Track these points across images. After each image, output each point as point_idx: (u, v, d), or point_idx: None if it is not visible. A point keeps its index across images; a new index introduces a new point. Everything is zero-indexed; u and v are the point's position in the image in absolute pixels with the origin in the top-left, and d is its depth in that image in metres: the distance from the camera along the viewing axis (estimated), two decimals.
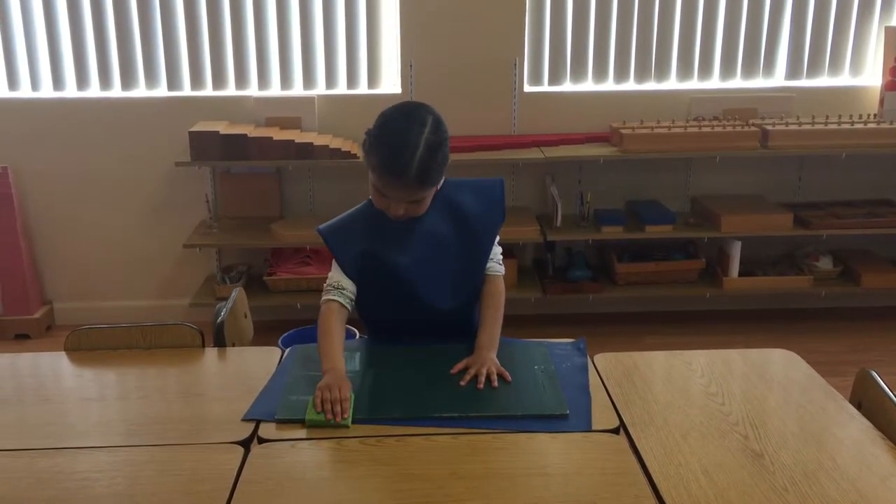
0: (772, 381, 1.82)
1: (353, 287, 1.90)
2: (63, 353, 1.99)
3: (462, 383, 1.76)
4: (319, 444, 1.55)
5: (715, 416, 1.65)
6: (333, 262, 1.92)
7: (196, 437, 1.58)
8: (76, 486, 1.43)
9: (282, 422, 1.63)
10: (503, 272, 2.00)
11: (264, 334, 2.64)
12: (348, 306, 1.89)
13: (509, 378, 1.77)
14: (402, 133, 1.75)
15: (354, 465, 1.49)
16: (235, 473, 1.45)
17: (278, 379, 1.81)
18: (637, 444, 1.54)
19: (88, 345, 2.01)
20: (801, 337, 3.81)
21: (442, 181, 1.91)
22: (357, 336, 2.71)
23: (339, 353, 1.79)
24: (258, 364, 1.90)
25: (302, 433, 1.58)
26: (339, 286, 1.89)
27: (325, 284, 1.92)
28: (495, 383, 1.75)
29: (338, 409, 1.62)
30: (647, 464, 1.47)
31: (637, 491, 1.39)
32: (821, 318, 4.05)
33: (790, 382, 1.82)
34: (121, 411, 1.71)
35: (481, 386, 1.74)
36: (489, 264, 1.97)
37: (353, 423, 1.61)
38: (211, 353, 2.00)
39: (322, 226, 1.94)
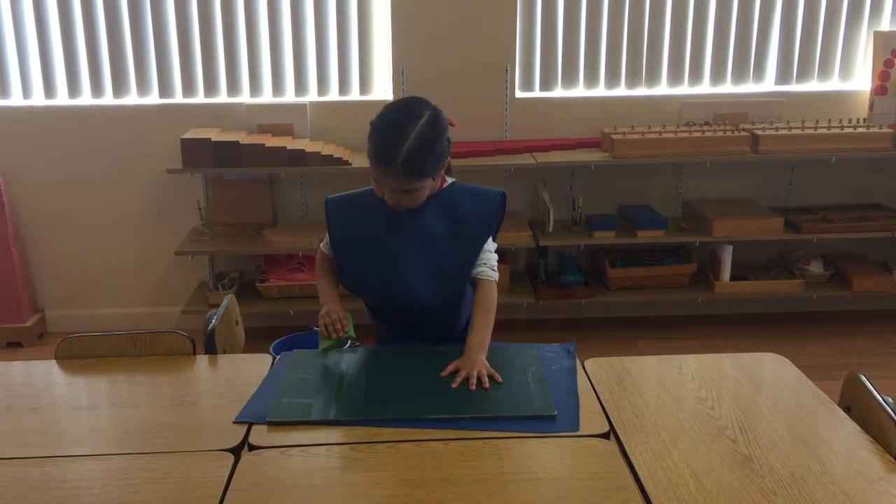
0: (762, 386, 1.83)
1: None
2: (54, 361, 1.99)
3: (454, 385, 1.77)
4: (310, 451, 1.55)
5: (705, 420, 1.65)
6: None
7: (187, 445, 1.58)
8: (67, 494, 1.43)
9: (274, 424, 1.63)
10: (496, 278, 2.01)
11: (257, 341, 2.65)
12: None
13: (500, 379, 1.79)
14: (396, 124, 1.84)
15: (345, 472, 1.49)
16: (225, 481, 1.45)
17: (270, 382, 1.82)
18: (627, 448, 1.54)
19: (79, 353, 2.01)
20: (792, 340, 3.83)
21: (449, 181, 2.01)
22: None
23: (335, 290, 2.05)
24: (249, 371, 1.90)
25: (292, 440, 1.58)
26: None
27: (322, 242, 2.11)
28: (486, 385, 1.76)
29: (338, 325, 1.91)
30: (637, 468, 1.47)
31: (627, 495, 1.40)
32: (812, 321, 4.07)
33: (780, 386, 1.83)
34: (112, 419, 1.71)
35: (473, 388, 1.75)
36: (482, 269, 1.98)
37: (344, 423, 1.64)
38: (202, 360, 2.00)
39: (330, 196, 2.07)
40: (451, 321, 2.05)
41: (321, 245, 2.12)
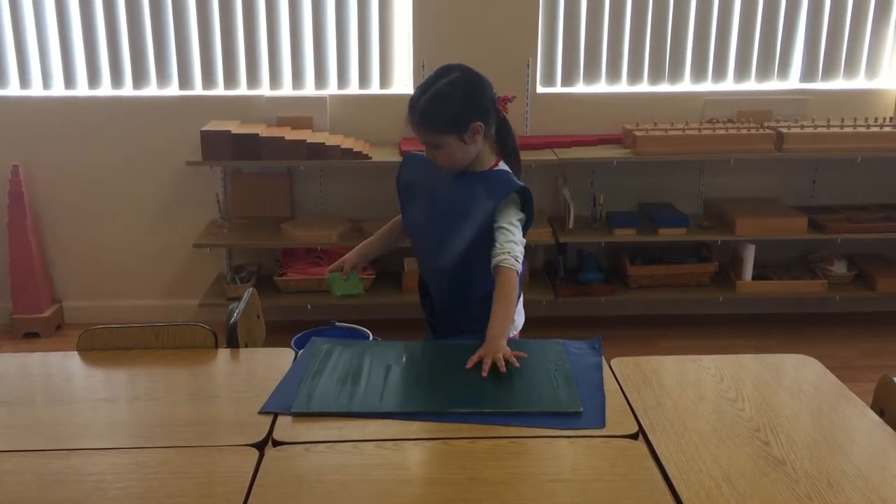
0: (791, 387, 1.80)
1: None
2: (75, 352, 1.98)
3: (483, 373, 1.76)
4: (335, 448, 1.53)
5: (735, 421, 1.62)
6: None
7: (210, 440, 1.56)
8: (90, 487, 1.41)
9: (299, 415, 1.62)
10: (518, 268, 1.99)
11: (275, 335, 2.62)
12: None
13: (524, 356, 1.81)
14: (427, 81, 2.01)
15: (371, 469, 1.47)
16: (250, 476, 1.43)
17: (296, 372, 1.81)
18: (656, 449, 1.51)
19: (101, 344, 1.99)
20: (814, 341, 3.79)
21: (501, 166, 2.09)
22: (370, 337, 2.69)
23: (369, 244, 2.30)
24: (271, 365, 1.88)
25: (317, 436, 1.57)
26: None
27: None
28: (516, 364, 1.77)
29: (345, 268, 2.20)
30: (668, 470, 1.45)
31: (658, 498, 1.37)
32: (835, 322, 4.02)
33: (810, 388, 1.80)
34: (134, 412, 1.70)
35: (503, 370, 1.75)
36: (501, 256, 1.97)
37: (367, 416, 1.63)
38: (224, 353, 1.98)
39: (412, 151, 2.25)
40: (466, 284, 2.10)
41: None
